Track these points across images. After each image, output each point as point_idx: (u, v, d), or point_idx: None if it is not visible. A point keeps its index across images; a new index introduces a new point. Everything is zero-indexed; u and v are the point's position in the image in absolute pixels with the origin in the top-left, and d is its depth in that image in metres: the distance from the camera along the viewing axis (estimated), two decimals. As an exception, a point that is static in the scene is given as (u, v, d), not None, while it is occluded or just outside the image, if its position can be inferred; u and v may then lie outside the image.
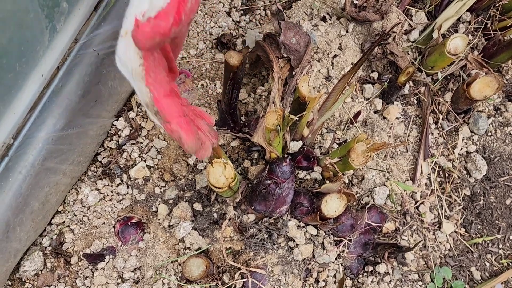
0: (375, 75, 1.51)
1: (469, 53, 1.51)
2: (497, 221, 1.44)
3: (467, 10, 1.58)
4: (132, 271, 1.15)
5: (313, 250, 1.25)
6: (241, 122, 1.37)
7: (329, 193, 1.20)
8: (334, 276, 1.27)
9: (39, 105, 0.99)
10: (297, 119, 1.07)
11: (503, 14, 1.55)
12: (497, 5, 1.58)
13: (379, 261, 1.31)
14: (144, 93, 0.62)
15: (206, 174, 1.02)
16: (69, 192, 1.22)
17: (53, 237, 1.17)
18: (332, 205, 1.18)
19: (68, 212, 1.20)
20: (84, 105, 1.13)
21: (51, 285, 1.13)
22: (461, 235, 1.41)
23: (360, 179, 1.37)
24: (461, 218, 1.43)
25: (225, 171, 1.04)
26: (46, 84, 1.00)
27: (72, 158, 1.16)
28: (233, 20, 1.51)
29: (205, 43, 1.47)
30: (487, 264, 1.40)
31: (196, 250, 1.17)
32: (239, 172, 1.30)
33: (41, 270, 1.14)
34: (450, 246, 1.39)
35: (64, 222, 1.20)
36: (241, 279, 1.18)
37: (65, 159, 1.13)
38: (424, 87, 1.51)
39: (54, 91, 1.02)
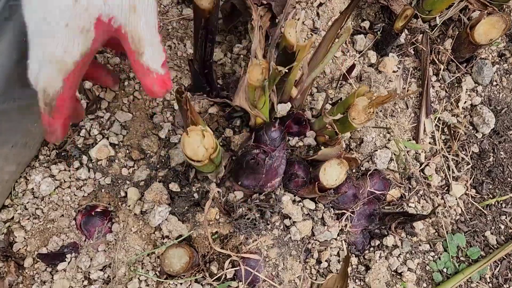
0: (366, 24, 1.33)
1: (469, -7, 1.34)
2: (509, 179, 1.30)
3: None
4: (101, 270, 0.96)
5: (313, 227, 1.09)
6: (219, 85, 1.18)
7: (326, 159, 1.03)
8: (338, 254, 1.11)
9: (-43, 72, 0.78)
10: (287, 70, 0.88)
11: None
12: None
13: (386, 233, 1.16)
14: (53, 84, 0.64)
15: (181, 146, 0.83)
16: (16, 181, 1.01)
17: (0, 237, 0.96)
18: (332, 173, 1.02)
19: (17, 205, 1.00)
20: (23, 73, 0.91)
21: (1, 295, 0.93)
22: (472, 197, 1.27)
23: (358, 143, 1.21)
24: (470, 178, 1.28)
25: (203, 140, 0.85)
26: (-36, 44, 0.78)
27: (15, 140, 0.94)
28: (200, -31, 1.29)
29: (169, -3, 1.25)
30: (502, 227, 1.26)
31: (176, 239, 0.98)
32: (221, 144, 1.11)
33: (-12, 278, 0.94)
34: (462, 210, 1.25)
35: (12, 217, 0.99)
36: (232, 267, 1.00)
37: (5, 142, 0.92)
38: (421, 35, 1.34)
39: (-23, 53, 0.80)
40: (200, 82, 1.10)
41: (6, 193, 0.99)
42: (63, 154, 1.06)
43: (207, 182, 1.05)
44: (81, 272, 0.95)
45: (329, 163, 1.02)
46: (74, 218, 0.99)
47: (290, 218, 1.06)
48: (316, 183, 1.02)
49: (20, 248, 0.97)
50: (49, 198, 1.01)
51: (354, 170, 1.21)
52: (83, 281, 0.95)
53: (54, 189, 1.02)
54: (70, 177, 1.04)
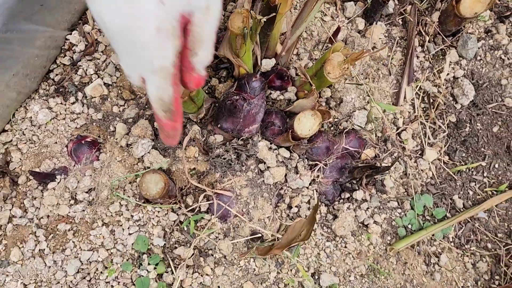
0: (357, -8, 1.39)
1: (460, -32, 1.38)
2: (482, 149, 1.36)
3: None
4: (86, 192, 1.06)
5: (286, 174, 1.17)
6: (210, 39, 1.25)
7: (302, 111, 1.10)
8: (308, 202, 1.19)
9: (-35, -4, 0.87)
10: (265, 19, 0.96)
11: None
12: None
13: (357, 188, 1.24)
14: (165, 91, 0.59)
15: (164, 82, 0.91)
16: (17, 110, 1.11)
17: (-2, 156, 1.07)
18: (306, 123, 1.09)
19: (16, 130, 1.10)
20: (25, 7, 1.00)
21: (-4, 206, 1.04)
22: (444, 162, 1.34)
23: (338, 102, 1.27)
24: (445, 145, 1.35)
25: (184, 78, 0.93)
26: (-27, -28, 0.87)
27: (16, 69, 1.04)
28: None
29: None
30: (471, 193, 1.33)
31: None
32: (206, 91, 1.19)
33: (-15, 191, 1.04)
34: (433, 174, 1.32)
35: (11, 141, 1.09)
36: (206, 201, 1.09)
37: (7, 68, 1.01)
38: (410, 6, 1.39)
39: (-16, -18, 0.89)
40: (191, 32, 1.17)
41: (7, 118, 1.09)
42: (60, 90, 1.16)
43: (190, 123, 1.13)
44: (69, 192, 1.05)
45: (304, 113, 1.09)
46: (66, 145, 1.09)
47: (264, 163, 1.14)
48: (291, 131, 1.09)
49: (15, 167, 1.07)
50: (45, 127, 1.11)
51: (332, 128, 1.28)
52: (70, 200, 1.05)
53: (50, 119, 1.11)
54: (65, 110, 1.13)
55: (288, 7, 1.03)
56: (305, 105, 1.13)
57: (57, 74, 1.16)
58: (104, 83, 1.16)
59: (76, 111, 1.13)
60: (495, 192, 1.33)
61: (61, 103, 1.13)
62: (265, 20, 0.96)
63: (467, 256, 1.27)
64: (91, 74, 1.16)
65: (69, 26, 1.18)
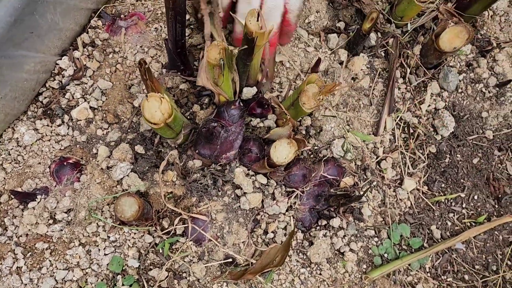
0: (341, 25, 1.43)
1: (441, 4, 1.43)
2: (462, 180, 1.37)
3: (442, -41, 1.49)
4: (65, 212, 1.09)
5: (263, 200, 1.19)
6: (195, 67, 1.30)
7: (278, 139, 1.13)
8: (285, 228, 1.21)
9: (-44, 25, 0.92)
10: (237, 51, 1.00)
11: (480, -36, 1.46)
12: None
13: (334, 215, 1.25)
14: None
15: (141, 109, 0.95)
16: (5, 130, 1.16)
17: (-17, 175, 1.11)
18: (282, 152, 1.12)
19: (2, 150, 1.14)
20: (16, 35, 1.06)
21: (-22, 223, 1.07)
22: (423, 192, 1.35)
23: (318, 131, 1.31)
24: (424, 175, 1.36)
25: (161, 105, 0.97)
26: (-36, 2, 0.92)
27: (4, 92, 1.09)
28: (193, -37, 1.43)
29: (161, -15, 1.38)
30: (449, 223, 1.34)
31: (135, 193, 1.10)
32: (188, 117, 1.23)
33: (-31, 208, 1.08)
34: (411, 204, 1.33)
35: (-4, 160, 1.14)
36: (182, 224, 1.12)
37: (-5, 92, 1.06)
38: (392, 39, 1.43)
39: (-24, 12, 0.95)
40: (175, 61, 1.22)
41: (-6, 138, 1.14)
42: (48, 112, 1.21)
43: (169, 148, 1.17)
44: (48, 211, 1.08)
45: (280, 141, 1.11)
46: (49, 166, 1.13)
47: (241, 189, 1.17)
48: (267, 158, 1.12)
49: (-1, 186, 1.12)
50: (30, 147, 1.15)
51: (312, 155, 1.31)
52: (48, 219, 1.08)
53: (36, 140, 1.16)
54: (51, 132, 1.18)
55: (265, 40, 1.07)
56: (282, 133, 1.16)
57: (45, 97, 1.21)
58: (90, 107, 1.21)
59: (61, 133, 1.17)
60: (473, 224, 1.34)
61: (48, 125, 1.18)
62: (236, 51, 1.00)
63: (443, 287, 1.27)
64: (78, 98, 1.21)
65: (60, 51, 1.23)
